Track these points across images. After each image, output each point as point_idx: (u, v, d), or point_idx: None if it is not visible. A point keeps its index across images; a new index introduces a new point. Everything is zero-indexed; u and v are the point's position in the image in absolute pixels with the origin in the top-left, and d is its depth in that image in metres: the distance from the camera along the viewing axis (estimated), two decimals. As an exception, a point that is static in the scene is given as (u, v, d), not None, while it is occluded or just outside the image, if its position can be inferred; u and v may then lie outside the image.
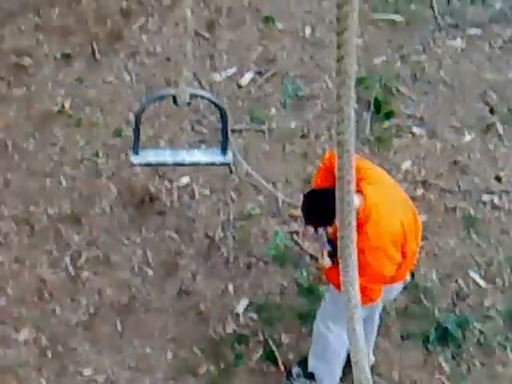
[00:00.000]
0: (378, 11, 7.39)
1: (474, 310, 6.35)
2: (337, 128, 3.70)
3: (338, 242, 4.02)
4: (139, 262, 6.48)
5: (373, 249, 5.18)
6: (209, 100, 5.52)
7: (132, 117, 6.87)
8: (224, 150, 5.40)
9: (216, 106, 5.44)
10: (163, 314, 6.32)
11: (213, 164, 5.68)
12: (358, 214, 5.07)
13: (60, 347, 6.20)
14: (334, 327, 5.64)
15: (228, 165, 5.89)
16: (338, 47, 3.48)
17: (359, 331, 4.36)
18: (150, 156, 5.60)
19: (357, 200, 5.09)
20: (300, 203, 6.36)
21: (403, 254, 5.38)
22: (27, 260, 6.46)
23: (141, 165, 5.69)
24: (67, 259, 6.47)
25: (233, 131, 6.84)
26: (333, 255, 5.24)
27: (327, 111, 6.99)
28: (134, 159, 5.51)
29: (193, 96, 5.21)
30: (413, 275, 6.20)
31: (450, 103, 7.10)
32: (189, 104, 5.21)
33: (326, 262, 5.38)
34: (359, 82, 6.79)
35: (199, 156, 5.56)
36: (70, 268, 6.44)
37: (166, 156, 5.58)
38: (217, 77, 7.15)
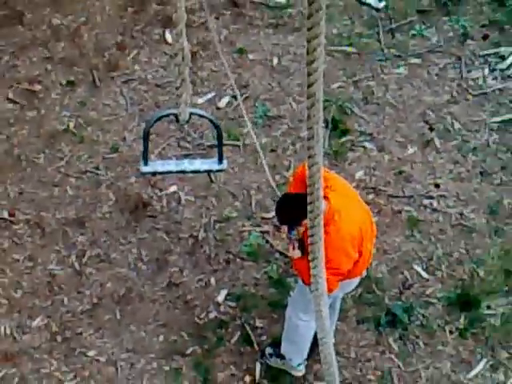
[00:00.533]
0: (334, 44, 7.31)
1: (417, 297, 6.30)
2: (307, 143, 3.66)
3: (308, 239, 4.00)
4: (134, 258, 6.39)
5: (334, 247, 5.07)
6: (206, 118, 5.43)
7: (128, 135, 6.83)
8: (220, 159, 5.35)
9: (212, 123, 5.36)
10: (155, 303, 6.24)
11: (211, 171, 5.62)
12: (323, 217, 5.00)
13: (68, 332, 6.12)
14: (303, 316, 5.58)
15: (224, 171, 5.80)
16: (309, 75, 3.45)
17: (325, 313, 4.35)
18: (158, 166, 5.51)
19: (323, 205, 5.03)
20: (272, 207, 6.41)
21: (360, 253, 5.31)
22: (39, 258, 6.38)
23: (150, 173, 5.59)
24: (73, 257, 6.38)
25: (212, 146, 6.78)
26: (302, 248, 5.13)
27: (292, 129, 6.92)
28: (144, 169, 5.41)
29: (192, 114, 5.13)
30: (366, 269, 6.12)
31: (396, 122, 7.03)
32: (188, 121, 5.13)
33: (297, 253, 5.26)
34: (323, 106, 6.71)
35: (199, 165, 5.47)
36: (76, 264, 6.35)
37: (171, 165, 5.48)
38: (198, 100, 7.03)
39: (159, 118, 5.47)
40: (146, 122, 5.47)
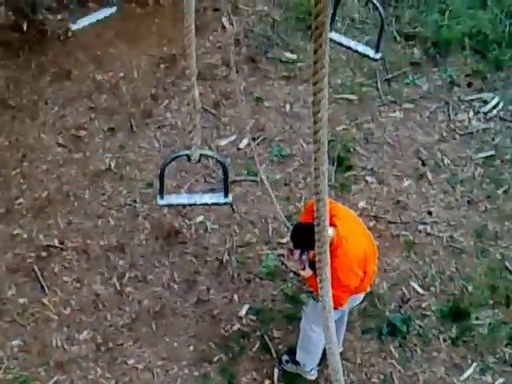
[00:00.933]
0: (338, 92, 7.35)
1: (414, 310, 6.29)
2: (314, 181, 3.69)
3: (316, 264, 4.02)
4: (168, 279, 6.40)
5: (343, 268, 5.15)
6: (214, 158, 5.47)
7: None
8: (226, 194, 5.38)
9: (219, 162, 5.40)
10: (186, 317, 6.25)
11: (218, 204, 5.63)
12: (332, 242, 5.06)
13: (111, 344, 6.13)
14: (315, 328, 5.58)
15: (229, 204, 5.80)
16: (314, 123, 3.48)
17: (332, 328, 4.34)
18: (172, 199, 5.56)
19: (331, 232, 5.09)
20: (286, 234, 6.43)
21: (364, 272, 5.35)
22: (85, 280, 6.40)
23: (165, 205, 5.59)
24: (115, 278, 6.40)
25: (234, 182, 6.81)
26: (313, 268, 5.15)
27: (303, 166, 6.93)
28: (160, 202, 5.47)
29: (202, 155, 5.18)
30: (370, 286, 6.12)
31: (393, 158, 7.04)
32: (199, 161, 5.15)
33: (307, 272, 5.30)
34: (330, 147, 6.76)
35: (208, 198, 5.52)
36: (117, 285, 6.37)
37: (183, 199, 5.52)
38: (222, 142, 7.07)
39: (174, 159, 5.56)
40: (163, 163, 5.53)
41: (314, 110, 3.42)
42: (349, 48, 6.16)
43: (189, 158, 5.16)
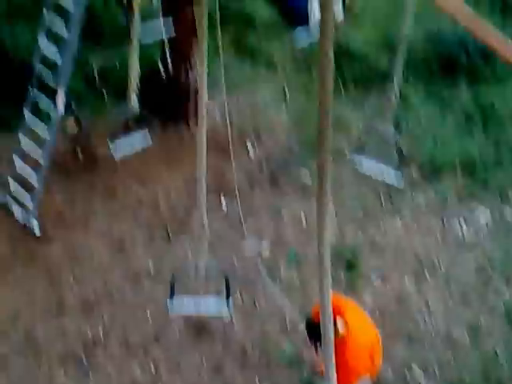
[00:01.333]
0: (346, 206, 7.62)
1: (416, 391, 6.39)
2: (319, 291, 3.98)
3: (323, 358, 4.24)
4: (198, 366, 6.52)
5: (353, 356, 5.37)
6: (216, 271, 5.79)
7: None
8: (228, 303, 5.65)
9: (221, 274, 5.73)
10: (215, 399, 6.37)
11: (220, 315, 5.89)
12: (344, 334, 5.29)
13: (148, 423, 6.23)
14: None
15: (228, 313, 6.01)
16: (319, 245, 3.79)
17: None
18: (181, 309, 5.78)
19: (341, 324, 5.31)
20: (301, 325, 6.59)
21: (371, 359, 5.57)
22: (125, 367, 6.54)
23: (174, 313, 5.85)
24: (151, 366, 6.54)
25: (255, 282, 6.99)
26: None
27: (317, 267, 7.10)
28: (171, 312, 5.72)
29: (207, 269, 5.53)
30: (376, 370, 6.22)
31: (395, 261, 7.25)
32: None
33: (320, 359, 5.45)
34: (340, 252, 7.08)
35: (212, 306, 5.76)
36: (153, 371, 6.50)
37: (190, 309, 5.77)
38: (246, 252, 7.31)
39: (181, 272, 5.82)
40: (171, 279, 5.82)
41: (317, 231, 3.70)
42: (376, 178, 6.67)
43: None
